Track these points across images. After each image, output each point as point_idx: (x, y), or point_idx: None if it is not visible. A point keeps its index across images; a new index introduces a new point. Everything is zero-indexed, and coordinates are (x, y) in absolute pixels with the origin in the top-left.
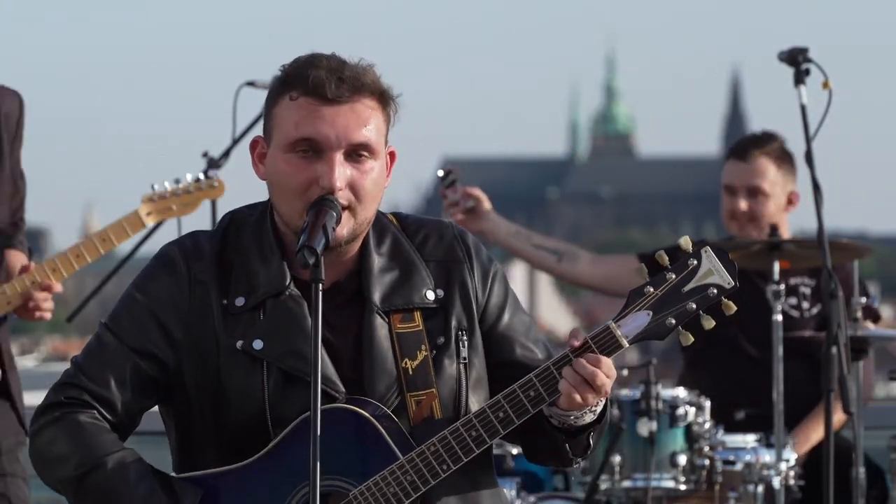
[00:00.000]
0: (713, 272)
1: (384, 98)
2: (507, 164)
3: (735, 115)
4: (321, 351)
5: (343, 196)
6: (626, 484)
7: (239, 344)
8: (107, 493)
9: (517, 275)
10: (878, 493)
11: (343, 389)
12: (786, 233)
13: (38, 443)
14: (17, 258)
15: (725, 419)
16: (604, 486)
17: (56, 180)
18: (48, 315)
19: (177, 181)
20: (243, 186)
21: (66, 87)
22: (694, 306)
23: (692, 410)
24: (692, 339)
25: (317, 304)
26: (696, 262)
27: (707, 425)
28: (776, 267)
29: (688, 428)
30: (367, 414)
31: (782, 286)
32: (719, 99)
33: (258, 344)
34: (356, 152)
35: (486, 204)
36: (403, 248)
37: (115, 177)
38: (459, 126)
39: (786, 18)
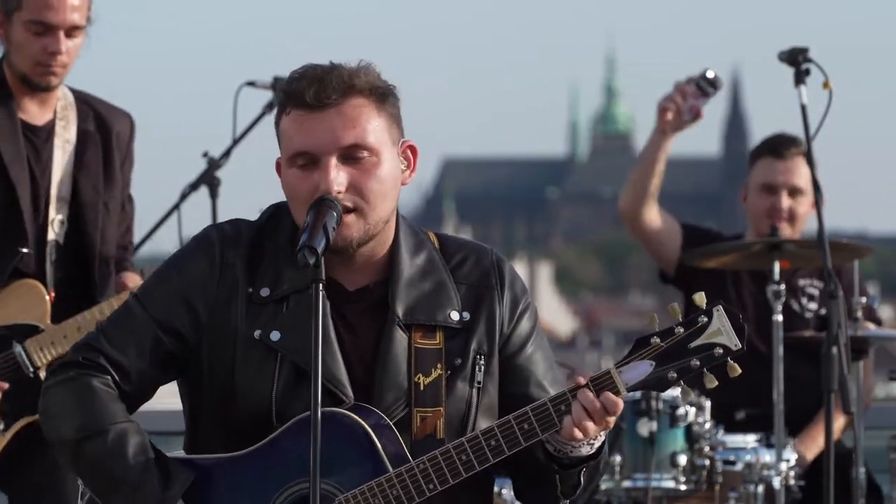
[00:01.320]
0: (721, 332)
1: (379, 94)
2: (507, 164)
3: (735, 116)
4: (336, 352)
5: (347, 199)
6: (627, 484)
7: (257, 333)
8: (101, 461)
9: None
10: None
11: (351, 394)
12: (798, 235)
13: (48, 398)
14: (133, 280)
15: (726, 419)
16: (604, 486)
17: None
18: None
19: None
20: (243, 186)
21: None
22: (698, 363)
23: (692, 410)
24: (716, 382)
25: (317, 304)
26: (706, 319)
27: (707, 425)
28: (776, 267)
29: (688, 428)
30: (365, 424)
31: (783, 286)
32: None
33: (276, 335)
34: (352, 154)
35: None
36: (437, 267)
37: None
38: (459, 126)
39: (786, 18)
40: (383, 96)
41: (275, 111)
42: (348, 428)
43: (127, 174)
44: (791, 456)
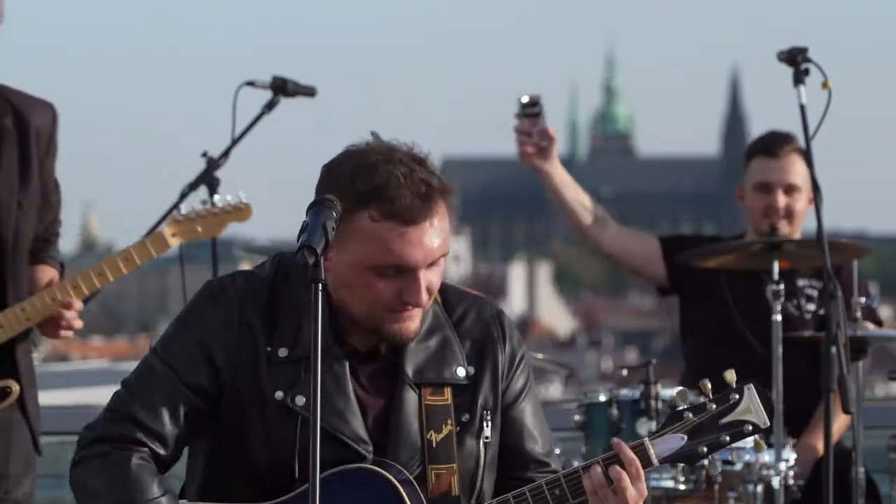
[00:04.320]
0: (751, 410)
1: (447, 194)
2: (507, 164)
3: (735, 115)
4: (356, 410)
5: (424, 300)
6: None
7: (279, 395)
8: None
9: (517, 275)
10: None
11: (372, 450)
12: (798, 232)
13: (81, 472)
14: (46, 273)
15: None
16: None
17: None
18: (70, 333)
19: (204, 202)
20: (243, 186)
21: (66, 87)
22: (728, 439)
23: None
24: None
25: (317, 304)
26: (737, 397)
27: None
28: (776, 267)
29: None
30: (392, 477)
31: (782, 286)
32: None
33: (300, 400)
34: (436, 262)
35: (555, 149)
36: (441, 323)
37: (116, 177)
38: (459, 126)
39: (786, 18)
40: (448, 193)
41: (347, 197)
42: (375, 482)
43: (49, 167)
44: (791, 456)
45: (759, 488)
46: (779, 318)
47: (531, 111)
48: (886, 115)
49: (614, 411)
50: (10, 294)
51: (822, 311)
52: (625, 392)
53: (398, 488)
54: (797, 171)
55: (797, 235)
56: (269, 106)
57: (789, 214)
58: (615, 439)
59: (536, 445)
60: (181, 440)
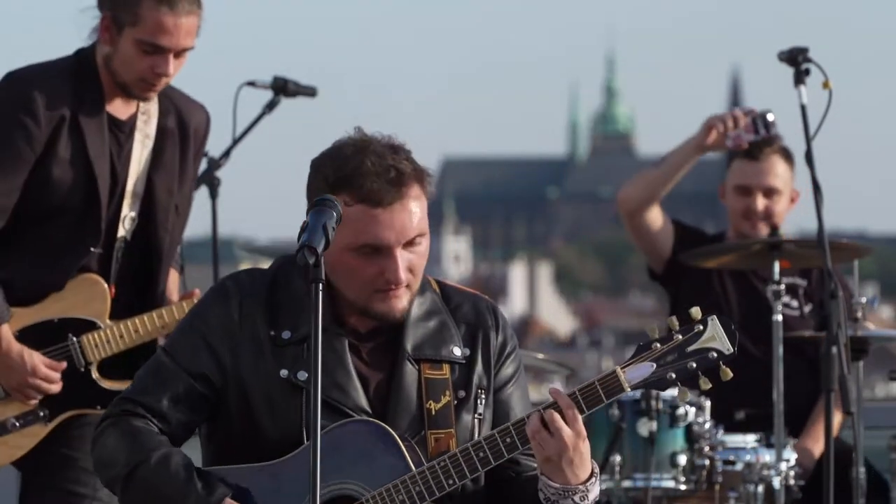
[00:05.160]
0: (716, 338)
1: (422, 178)
2: (507, 164)
3: None
4: (357, 383)
5: (404, 278)
6: (626, 484)
7: (284, 373)
8: (149, 485)
9: (517, 275)
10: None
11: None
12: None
13: (96, 448)
14: (173, 276)
15: (725, 419)
16: (604, 486)
17: None
18: None
19: None
20: (243, 186)
21: None
22: (694, 366)
23: (692, 410)
24: (710, 385)
25: (317, 304)
26: (701, 327)
27: (707, 425)
28: (776, 267)
29: (688, 428)
30: (389, 429)
31: (782, 286)
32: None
33: (303, 375)
34: (412, 242)
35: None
36: (439, 310)
37: None
38: (459, 126)
39: (786, 18)
40: (424, 178)
41: (315, 184)
42: (375, 432)
43: (196, 170)
44: (791, 456)
45: (760, 488)
46: (779, 318)
47: (760, 125)
48: (887, 115)
49: (615, 411)
50: (156, 297)
51: (807, 308)
52: (625, 392)
53: (396, 439)
54: (777, 173)
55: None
56: (270, 106)
57: (769, 217)
58: (552, 387)
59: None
60: (182, 420)
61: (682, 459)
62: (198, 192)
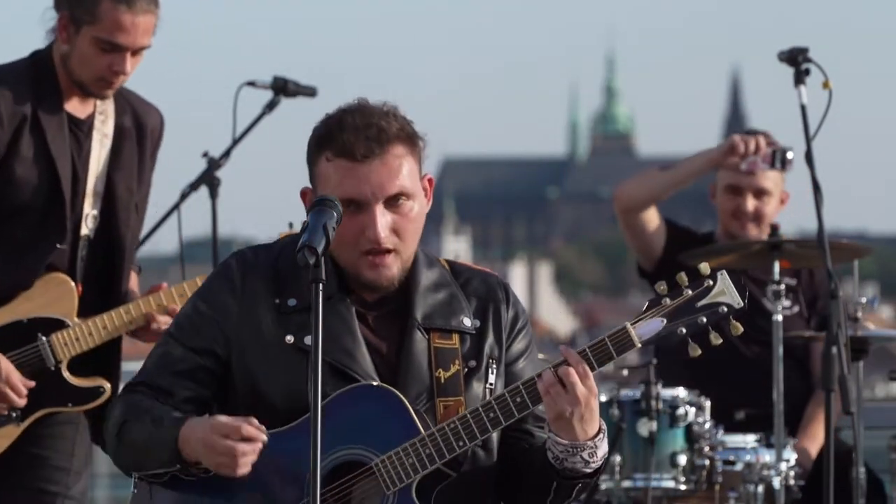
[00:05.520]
0: (725, 292)
1: (411, 140)
2: (507, 164)
3: (735, 116)
4: (364, 351)
5: (388, 241)
6: (626, 484)
7: (289, 339)
8: (133, 437)
9: (517, 275)
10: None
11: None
12: (765, 232)
13: (105, 430)
14: (133, 277)
15: (725, 419)
16: (604, 486)
17: None
18: None
19: None
20: (243, 186)
21: None
22: (704, 320)
23: (692, 410)
24: (699, 351)
25: (317, 304)
26: (711, 282)
27: (707, 425)
28: (776, 267)
29: (688, 428)
30: (398, 393)
31: (783, 286)
32: (719, 99)
33: (309, 339)
34: (395, 200)
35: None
36: (448, 283)
37: None
38: (459, 126)
39: (786, 18)
40: (414, 141)
41: (309, 147)
42: (384, 397)
43: (151, 173)
44: (791, 456)
45: (760, 488)
46: (780, 318)
47: (777, 159)
48: (887, 115)
49: (615, 411)
50: (120, 295)
51: (796, 308)
52: (625, 392)
53: (405, 404)
54: (768, 175)
55: (766, 236)
56: (270, 106)
57: (758, 218)
58: (563, 346)
59: None
60: (188, 396)
61: (682, 459)
62: (198, 192)
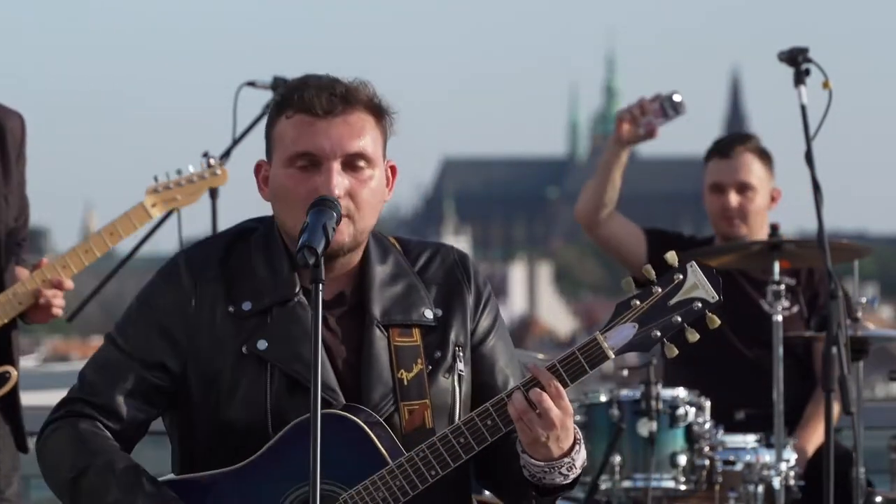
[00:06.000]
0: (698, 286)
1: (378, 112)
2: (507, 164)
3: (735, 116)
4: (323, 357)
5: (343, 204)
6: (626, 484)
7: (244, 347)
8: (94, 492)
9: (517, 275)
10: None
11: (343, 400)
12: (761, 232)
13: (41, 453)
14: (22, 273)
15: (725, 419)
16: (604, 486)
17: (56, 180)
18: (60, 312)
19: (179, 172)
20: (243, 186)
21: (65, 87)
22: (679, 319)
23: (692, 410)
24: (676, 351)
25: (317, 303)
26: (681, 276)
27: (707, 425)
28: (776, 267)
29: (688, 428)
30: (359, 420)
31: (783, 286)
32: (719, 99)
33: (262, 344)
34: (353, 162)
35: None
36: (405, 271)
37: (115, 177)
38: (459, 126)
39: (786, 18)
40: (382, 115)
41: (269, 115)
42: (343, 427)
43: (22, 171)
44: (791, 456)
45: (760, 488)
46: (780, 318)
47: (668, 108)
48: (887, 115)
49: (615, 411)
50: (4, 284)
51: (795, 308)
52: (625, 392)
53: (367, 432)
54: (751, 169)
55: (758, 235)
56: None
57: (743, 214)
58: (531, 364)
59: (509, 382)
60: (135, 416)
61: (682, 459)
62: None
